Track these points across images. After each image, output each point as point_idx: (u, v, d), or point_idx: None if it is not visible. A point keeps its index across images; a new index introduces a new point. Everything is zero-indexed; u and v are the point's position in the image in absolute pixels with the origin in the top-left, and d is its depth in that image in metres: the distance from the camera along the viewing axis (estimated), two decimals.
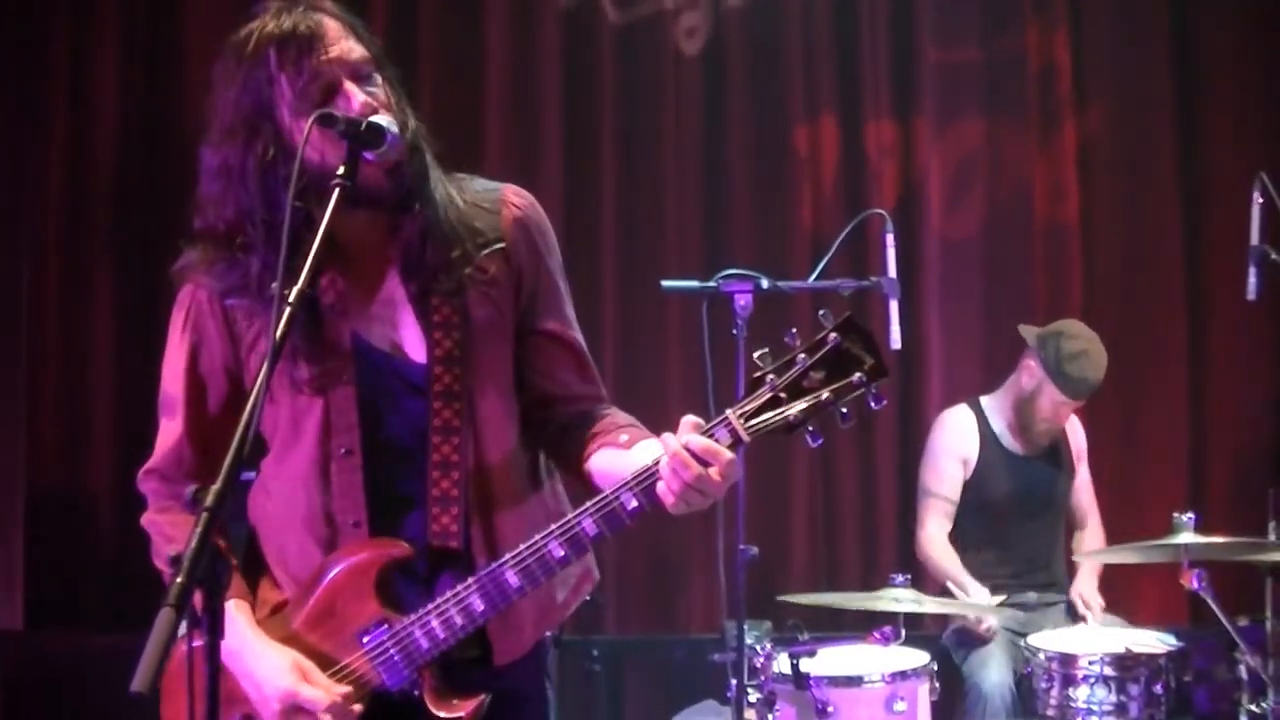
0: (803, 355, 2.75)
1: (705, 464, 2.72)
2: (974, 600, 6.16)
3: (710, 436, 2.75)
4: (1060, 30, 7.77)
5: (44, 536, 7.41)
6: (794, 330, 2.77)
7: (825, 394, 2.73)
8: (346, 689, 2.97)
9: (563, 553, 2.88)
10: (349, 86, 2.88)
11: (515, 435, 3.14)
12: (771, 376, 2.75)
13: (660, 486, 2.78)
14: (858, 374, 2.73)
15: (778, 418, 2.75)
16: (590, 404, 3.20)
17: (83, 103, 7.60)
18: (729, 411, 2.77)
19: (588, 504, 2.88)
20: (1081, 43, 7.80)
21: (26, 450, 7.42)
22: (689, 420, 2.77)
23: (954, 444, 6.54)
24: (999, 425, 6.53)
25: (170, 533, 3.12)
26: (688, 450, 2.72)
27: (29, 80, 7.48)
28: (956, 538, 6.48)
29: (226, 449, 2.47)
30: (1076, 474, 6.70)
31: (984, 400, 6.63)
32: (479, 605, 2.92)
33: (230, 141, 2.92)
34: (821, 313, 2.75)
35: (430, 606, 2.95)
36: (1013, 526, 6.46)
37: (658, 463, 2.78)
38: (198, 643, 2.41)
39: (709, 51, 7.76)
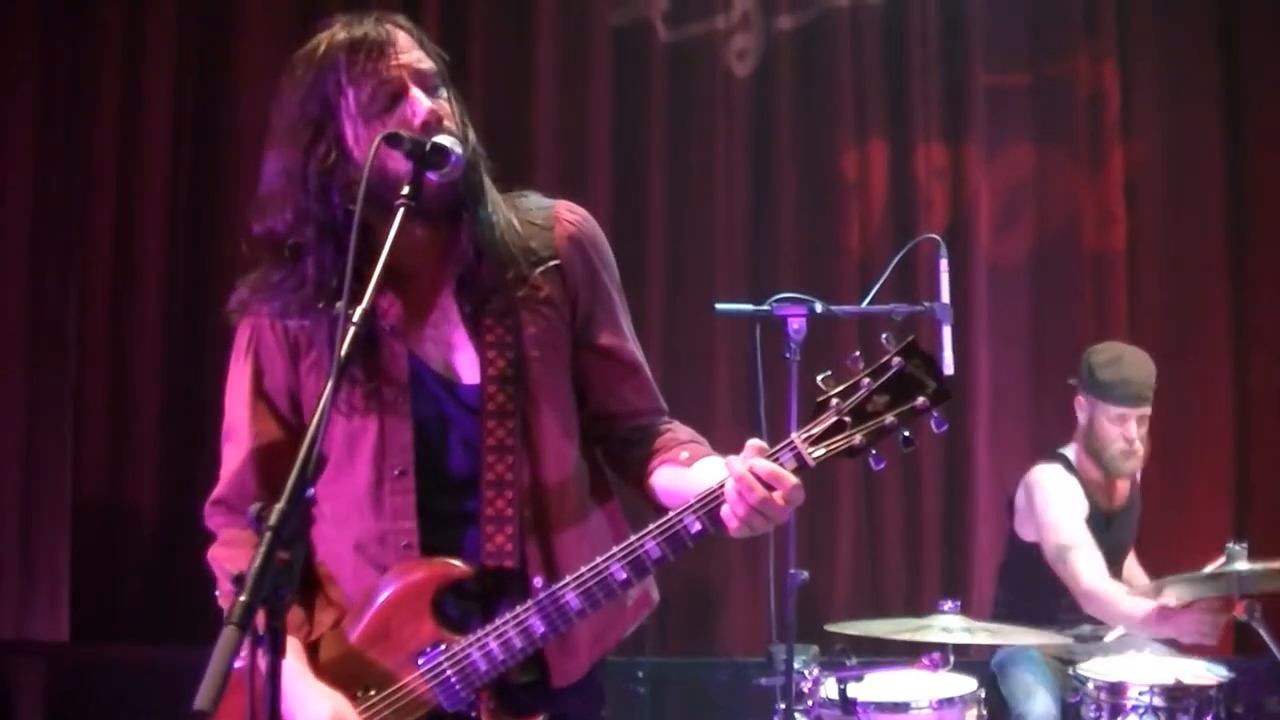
0: (867, 379, 2.74)
1: (770, 488, 2.71)
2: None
3: (775, 460, 2.74)
4: (1109, 58, 7.76)
5: (89, 550, 7.43)
6: (857, 354, 2.76)
7: (889, 418, 2.73)
8: None
9: (625, 575, 2.86)
10: (415, 93, 2.88)
11: (574, 452, 3.12)
12: (836, 400, 2.74)
13: (724, 510, 2.76)
14: (921, 398, 2.73)
15: (842, 442, 2.74)
16: (649, 418, 3.19)
17: (133, 120, 7.63)
18: (794, 435, 2.77)
19: (651, 526, 2.86)
20: (1130, 70, 7.79)
21: (72, 464, 7.44)
22: (754, 444, 2.76)
23: (1070, 494, 6.18)
24: (1086, 485, 6.23)
25: (232, 570, 3.09)
26: (753, 474, 2.71)
27: (80, 98, 7.53)
28: (1022, 578, 6.30)
29: (290, 471, 2.46)
30: None
31: (1066, 454, 6.31)
32: (539, 627, 2.90)
33: (292, 144, 2.92)
34: (884, 336, 2.74)
35: (489, 628, 2.92)
36: None
37: (722, 486, 2.77)
38: (259, 661, 2.39)
39: (760, 73, 7.76)
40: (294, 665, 2.95)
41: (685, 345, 7.55)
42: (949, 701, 5.21)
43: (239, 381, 3.13)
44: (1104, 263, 7.74)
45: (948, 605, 5.44)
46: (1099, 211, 7.76)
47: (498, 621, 2.92)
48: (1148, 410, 6.17)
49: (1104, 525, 6.24)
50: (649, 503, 3.11)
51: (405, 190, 2.76)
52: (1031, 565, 6.24)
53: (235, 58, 7.62)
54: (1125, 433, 6.13)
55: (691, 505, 2.82)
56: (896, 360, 2.73)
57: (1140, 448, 6.19)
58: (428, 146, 2.80)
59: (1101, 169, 7.76)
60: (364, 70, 2.86)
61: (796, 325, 4.81)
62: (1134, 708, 5.38)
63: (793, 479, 2.72)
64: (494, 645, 2.92)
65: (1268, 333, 7.65)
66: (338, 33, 2.92)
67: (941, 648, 5.39)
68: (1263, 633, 5.35)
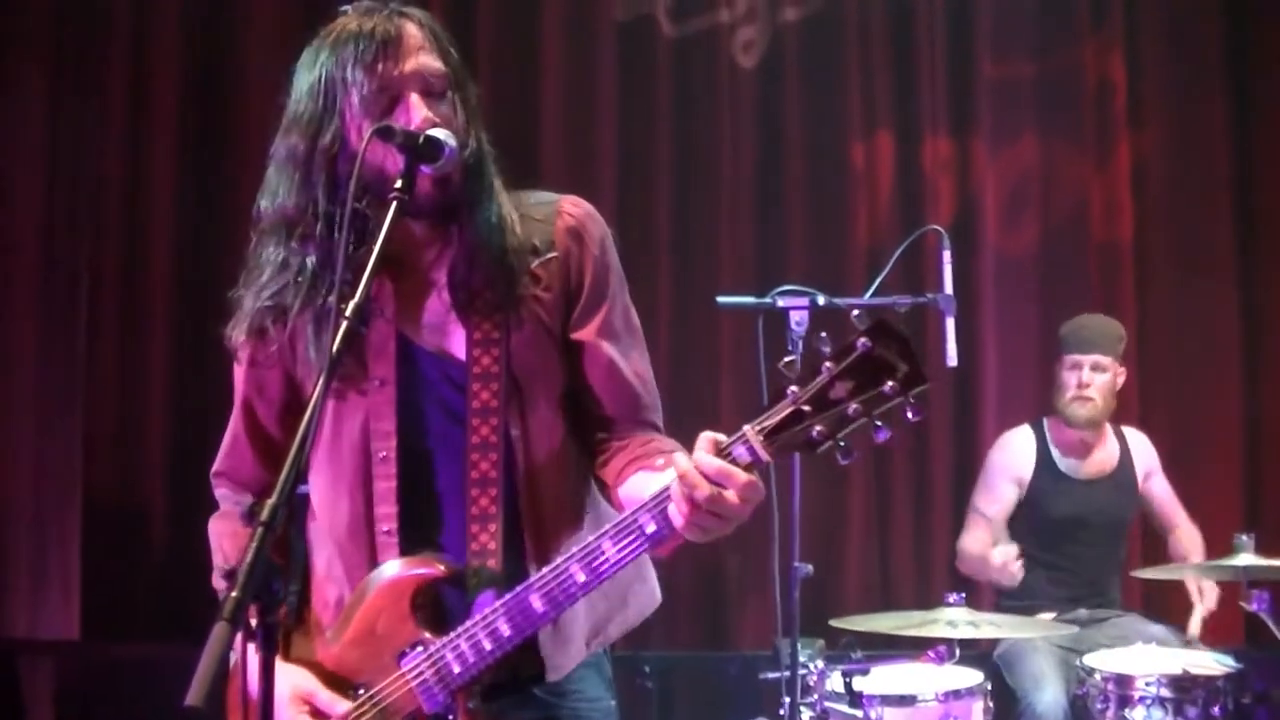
0: (828, 364, 2.48)
1: (720, 485, 2.55)
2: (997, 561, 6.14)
3: (728, 454, 2.56)
4: (1116, 48, 7.76)
5: (99, 548, 7.43)
6: (824, 334, 2.53)
7: (853, 406, 2.49)
8: (346, 708, 2.93)
9: (584, 577, 2.73)
10: (414, 100, 2.84)
11: (563, 448, 3.03)
12: (794, 389, 2.51)
13: (671, 509, 2.61)
14: (890, 383, 2.48)
15: (800, 434, 2.52)
16: (630, 426, 3.04)
17: (141, 119, 7.61)
18: (747, 427, 2.56)
19: (607, 526, 2.72)
20: (1137, 60, 7.80)
21: (82, 463, 7.45)
22: (706, 437, 2.59)
23: (1009, 464, 6.53)
24: (1056, 447, 6.49)
25: (218, 544, 3.13)
26: (699, 471, 2.55)
27: (88, 97, 7.51)
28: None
29: (283, 456, 2.45)
30: (1149, 490, 6.64)
31: (1046, 421, 6.60)
32: (505, 630, 2.79)
33: (301, 132, 2.90)
34: (855, 314, 2.51)
35: (460, 629, 2.85)
36: (1067, 548, 6.42)
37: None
38: (251, 657, 2.39)
39: (765, 65, 7.76)
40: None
41: (691, 338, 7.55)
42: (955, 694, 5.21)
43: (240, 360, 3.13)
44: (1111, 253, 7.74)
45: (953, 598, 5.43)
46: (1106, 202, 7.76)
47: (469, 623, 2.84)
48: (1103, 360, 6.45)
49: (1072, 490, 6.47)
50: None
51: (399, 184, 2.73)
52: (1027, 552, 6.30)
53: (242, 54, 7.60)
54: (1079, 378, 6.41)
55: (646, 504, 2.66)
56: (862, 342, 2.48)
57: (1095, 396, 6.43)
58: (420, 139, 2.77)
59: (1108, 159, 7.76)
60: (369, 68, 2.83)
61: (799, 318, 4.79)
62: (1141, 699, 5.39)
63: (743, 476, 2.53)
64: (465, 647, 2.83)
65: (1277, 320, 7.64)
66: (350, 23, 2.89)
67: (948, 641, 5.39)
68: (1270, 624, 5.35)
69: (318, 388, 2.51)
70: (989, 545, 6.31)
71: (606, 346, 3.03)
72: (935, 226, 5.54)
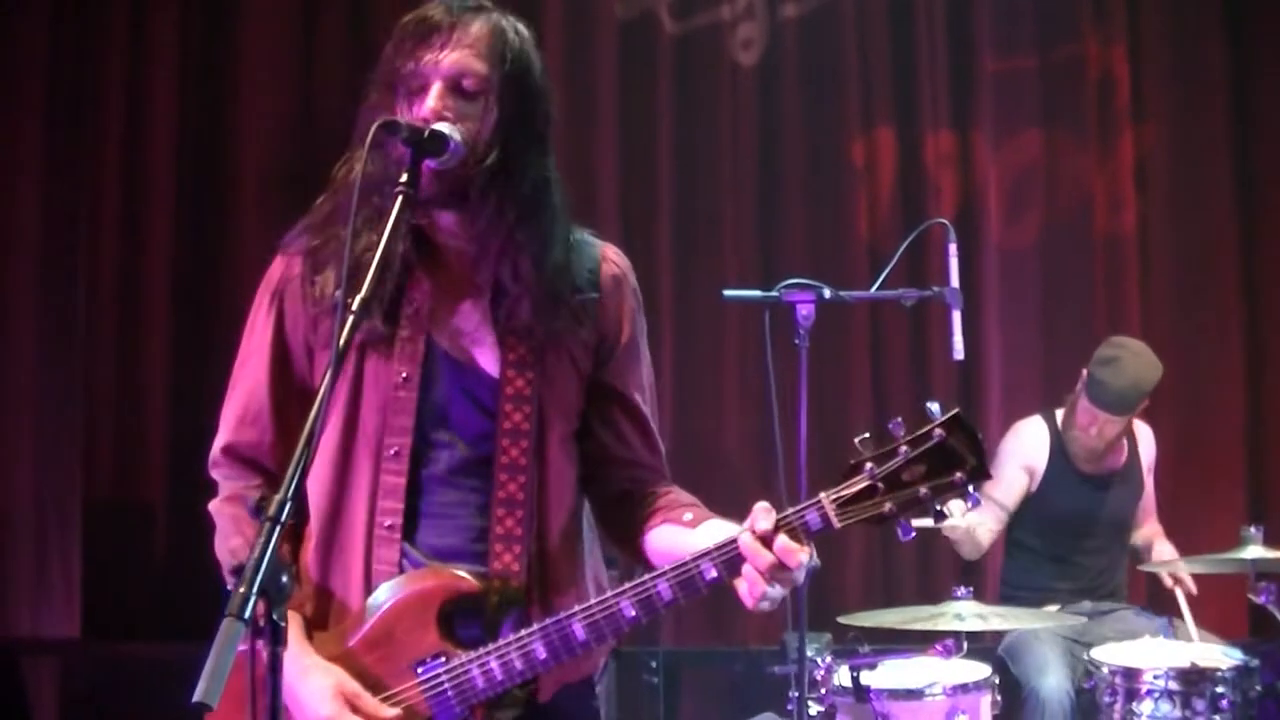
0: (905, 447, 2.70)
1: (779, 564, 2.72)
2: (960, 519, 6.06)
3: (801, 518, 2.73)
4: (1118, 42, 7.75)
5: (99, 548, 7.43)
6: (899, 419, 2.72)
7: (924, 490, 2.70)
8: (396, 713, 2.90)
9: (634, 613, 2.83)
10: (434, 89, 2.84)
11: (574, 480, 3.09)
12: (870, 465, 2.71)
13: (740, 583, 2.78)
14: (959, 473, 2.70)
15: (871, 508, 2.71)
16: (651, 475, 3.16)
17: (138, 117, 7.62)
18: (823, 495, 2.73)
19: (666, 568, 2.82)
20: (1139, 54, 7.79)
21: (82, 463, 7.44)
22: (761, 509, 2.76)
23: (1022, 452, 6.43)
24: (1071, 440, 6.40)
25: (231, 526, 3.04)
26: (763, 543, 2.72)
27: (85, 103, 7.53)
28: (1017, 550, 6.42)
29: (296, 434, 2.43)
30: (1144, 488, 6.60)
31: (1059, 413, 6.48)
32: (541, 653, 2.85)
33: (382, 100, 2.90)
34: (930, 406, 2.71)
35: (492, 647, 2.87)
36: (1075, 544, 6.37)
37: (735, 540, 2.76)
38: (259, 651, 2.37)
39: (765, 62, 7.76)
40: (291, 641, 2.80)
41: (695, 334, 7.54)
42: (963, 688, 5.18)
43: (260, 326, 3.07)
44: (1115, 247, 7.74)
45: (961, 592, 5.41)
46: (1109, 195, 7.76)
47: (501, 641, 2.88)
48: (1122, 420, 6.27)
49: (1083, 485, 6.38)
50: (638, 561, 3.07)
51: (404, 177, 2.72)
52: (1034, 545, 6.38)
53: (238, 51, 7.60)
54: (1091, 426, 6.25)
55: (709, 552, 2.79)
56: (938, 432, 2.70)
57: (1102, 444, 6.31)
58: (425, 134, 2.76)
59: (1111, 153, 7.76)
60: (410, 51, 2.85)
61: (805, 311, 4.77)
62: (1149, 692, 5.38)
63: (799, 559, 2.72)
64: (494, 665, 2.87)
65: (1279, 314, 7.65)
66: (426, 7, 2.91)
67: (955, 634, 5.37)
68: (1278, 616, 5.34)
69: (324, 381, 2.48)
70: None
71: (640, 400, 3.16)
72: (941, 219, 5.50)
